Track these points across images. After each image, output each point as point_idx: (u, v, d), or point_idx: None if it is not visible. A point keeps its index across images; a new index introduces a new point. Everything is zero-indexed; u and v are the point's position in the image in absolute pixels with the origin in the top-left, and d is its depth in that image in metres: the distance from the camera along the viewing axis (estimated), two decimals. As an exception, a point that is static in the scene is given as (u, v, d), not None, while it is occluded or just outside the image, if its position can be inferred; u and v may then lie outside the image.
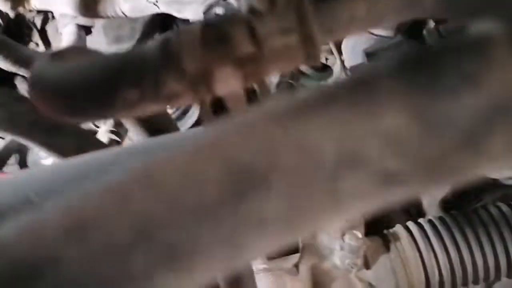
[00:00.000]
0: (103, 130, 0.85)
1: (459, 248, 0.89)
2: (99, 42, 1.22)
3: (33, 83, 0.35)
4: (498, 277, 0.89)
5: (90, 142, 0.55)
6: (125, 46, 1.21)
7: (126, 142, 0.99)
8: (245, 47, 0.33)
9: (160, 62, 0.33)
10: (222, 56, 0.33)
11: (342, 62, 0.85)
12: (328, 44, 0.74)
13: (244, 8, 0.35)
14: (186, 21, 1.11)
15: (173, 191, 0.17)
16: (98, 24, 1.19)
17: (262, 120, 0.18)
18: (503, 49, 0.17)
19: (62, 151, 0.53)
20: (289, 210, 0.17)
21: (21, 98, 0.48)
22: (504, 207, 0.91)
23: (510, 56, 0.17)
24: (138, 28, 1.23)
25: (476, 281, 0.90)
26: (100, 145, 0.57)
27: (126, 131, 0.90)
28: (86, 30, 1.18)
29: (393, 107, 0.18)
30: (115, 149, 0.42)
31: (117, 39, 1.23)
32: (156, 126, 0.51)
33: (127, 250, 0.16)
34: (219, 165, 0.17)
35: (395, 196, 0.19)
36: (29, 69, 0.99)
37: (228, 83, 0.34)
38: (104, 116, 0.34)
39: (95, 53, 0.38)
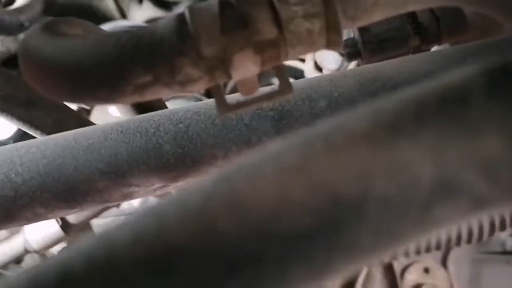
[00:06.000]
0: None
1: None
2: None
3: (28, 59, 0.32)
4: None
5: (69, 116, 0.51)
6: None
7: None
8: (268, 31, 0.31)
9: (175, 45, 0.30)
10: (242, 41, 0.31)
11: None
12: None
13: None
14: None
15: (263, 220, 0.16)
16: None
17: (349, 141, 0.17)
18: None
19: (41, 126, 0.49)
20: (378, 238, 0.17)
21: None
22: None
23: None
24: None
25: None
26: (79, 119, 0.54)
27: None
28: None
29: (490, 129, 0.17)
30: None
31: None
32: (145, 104, 0.49)
33: None
34: (310, 192, 0.16)
35: (475, 216, 0.18)
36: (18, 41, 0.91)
37: (246, 68, 0.32)
38: (112, 101, 0.31)
39: (95, 28, 0.35)
